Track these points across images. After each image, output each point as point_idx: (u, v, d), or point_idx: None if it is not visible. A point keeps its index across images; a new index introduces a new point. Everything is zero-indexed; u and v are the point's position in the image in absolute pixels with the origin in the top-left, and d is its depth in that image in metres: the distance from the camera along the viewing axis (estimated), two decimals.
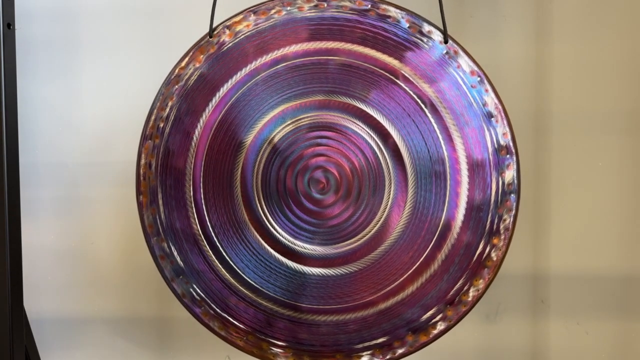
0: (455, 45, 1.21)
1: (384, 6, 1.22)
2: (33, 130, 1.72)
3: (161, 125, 1.25)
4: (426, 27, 1.21)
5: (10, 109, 1.61)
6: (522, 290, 1.68)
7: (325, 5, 1.22)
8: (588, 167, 1.65)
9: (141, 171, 1.26)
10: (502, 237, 1.21)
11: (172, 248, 1.26)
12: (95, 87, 1.72)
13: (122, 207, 1.70)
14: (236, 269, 1.25)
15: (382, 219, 1.22)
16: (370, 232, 1.23)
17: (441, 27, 1.22)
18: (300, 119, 1.23)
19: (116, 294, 1.75)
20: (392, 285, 1.23)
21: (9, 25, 1.37)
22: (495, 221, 1.21)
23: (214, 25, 1.24)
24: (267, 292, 1.25)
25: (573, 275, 1.66)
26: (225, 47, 1.24)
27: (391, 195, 1.22)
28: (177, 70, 1.25)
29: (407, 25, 1.22)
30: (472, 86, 1.21)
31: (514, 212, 1.21)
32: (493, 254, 1.21)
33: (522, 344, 1.69)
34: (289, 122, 1.23)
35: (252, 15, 1.24)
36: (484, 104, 1.21)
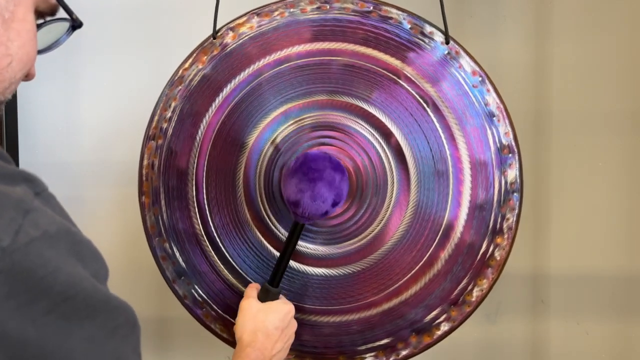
0: (457, 46, 1.21)
1: (385, 8, 1.22)
2: (34, 130, 1.72)
3: (164, 126, 1.25)
4: (428, 28, 1.21)
5: (10, 109, 1.61)
6: (522, 290, 1.67)
7: (328, 7, 1.22)
8: (588, 167, 1.65)
9: (144, 172, 1.25)
10: (506, 236, 1.21)
11: (174, 249, 1.25)
12: (96, 87, 1.71)
13: (124, 208, 1.70)
14: (238, 269, 1.25)
15: (385, 219, 1.22)
16: (372, 231, 1.22)
17: (442, 27, 1.22)
18: (303, 119, 1.22)
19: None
20: (395, 285, 1.22)
21: None
22: (499, 220, 1.20)
23: (217, 27, 1.24)
24: None
25: (573, 275, 1.66)
26: (229, 49, 1.24)
27: (394, 195, 1.21)
28: (180, 71, 1.25)
29: (409, 26, 1.22)
30: (473, 86, 1.21)
31: (517, 211, 1.21)
32: (497, 254, 1.21)
33: (522, 344, 1.69)
34: (291, 122, 1.23)
35: (256, 17, 1.24)
36: (486, 104, 1.21)
